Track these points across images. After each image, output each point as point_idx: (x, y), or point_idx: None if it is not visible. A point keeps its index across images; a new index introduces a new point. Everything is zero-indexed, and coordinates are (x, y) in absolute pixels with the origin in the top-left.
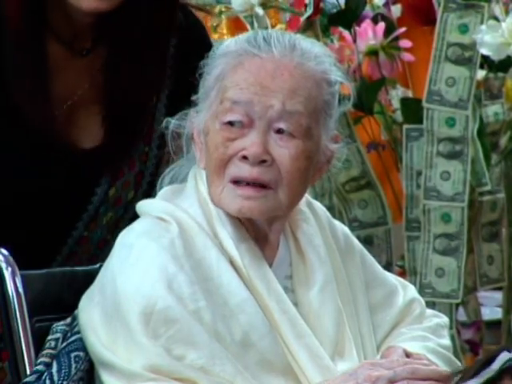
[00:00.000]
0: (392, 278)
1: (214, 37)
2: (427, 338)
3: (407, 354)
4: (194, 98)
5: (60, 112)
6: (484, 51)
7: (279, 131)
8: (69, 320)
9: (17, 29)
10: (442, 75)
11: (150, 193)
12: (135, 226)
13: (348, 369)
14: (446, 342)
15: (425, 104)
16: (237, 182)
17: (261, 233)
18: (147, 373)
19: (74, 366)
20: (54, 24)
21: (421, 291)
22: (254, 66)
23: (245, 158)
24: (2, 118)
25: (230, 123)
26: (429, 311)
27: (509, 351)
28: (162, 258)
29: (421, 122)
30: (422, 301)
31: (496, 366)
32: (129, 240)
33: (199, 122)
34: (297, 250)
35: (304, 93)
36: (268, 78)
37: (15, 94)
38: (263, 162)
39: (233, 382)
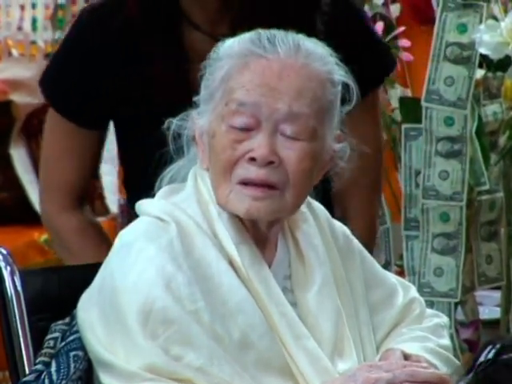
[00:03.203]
0: (392, 277)
1: None
2: (427, 338)
3: (406, 356)
4: (195, 99)
5: None
6: (483, 50)
7: (285, 133)
8: (68, 319)
9: (152, 19)
10: (441, 74)
11: None
12: (134, 226)
13: (347, 370)
14: (446, 342)
15: (423, 103)
16: (244, 183)
17: (261, 234)
18: (145, 373)
19: (72, 365)
20: (188, 11)
21: (419, 290)
22: (259, 67)
23: (252, 159)
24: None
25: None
26: (429, 311)
27: (493, 346)
28: (159, 259)
29: (419, 121)
30: (422, 301)
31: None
32: (128, 240)
33: (202, 123)
34: (296, 251)
35: (310, 94)
36: (274, 79)
37: (156, 84)
38: (271, 163)
39: (231, 382)
